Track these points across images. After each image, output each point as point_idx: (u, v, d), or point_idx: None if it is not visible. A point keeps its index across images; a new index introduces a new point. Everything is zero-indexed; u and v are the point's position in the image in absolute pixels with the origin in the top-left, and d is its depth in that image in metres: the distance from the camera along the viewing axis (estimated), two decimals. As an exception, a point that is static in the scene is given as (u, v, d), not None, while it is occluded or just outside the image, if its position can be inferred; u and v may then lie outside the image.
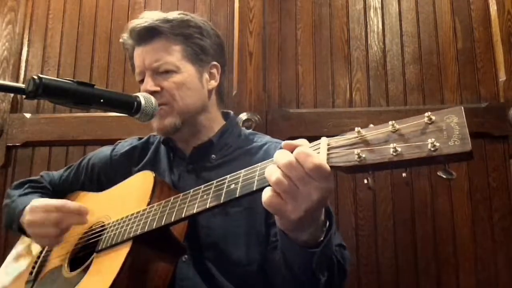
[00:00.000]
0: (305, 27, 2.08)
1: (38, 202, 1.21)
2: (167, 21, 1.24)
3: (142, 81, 1.25)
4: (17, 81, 2.12)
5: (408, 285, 1.80)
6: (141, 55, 1.25)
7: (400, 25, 2.04)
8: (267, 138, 1.33)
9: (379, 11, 2.06)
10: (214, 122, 1.31)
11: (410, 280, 1.80)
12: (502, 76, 1.92)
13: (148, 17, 1.25)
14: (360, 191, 1.88)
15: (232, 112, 1.39)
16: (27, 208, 1.21)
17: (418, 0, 2.05)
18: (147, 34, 1.24)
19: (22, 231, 1.26)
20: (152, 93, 1.20)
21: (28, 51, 2.18)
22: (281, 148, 0.78)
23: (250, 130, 1.42)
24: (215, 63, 1.31)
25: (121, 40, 1.31)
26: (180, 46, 1.24)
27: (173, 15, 1.26)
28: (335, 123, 1.92)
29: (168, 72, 1.22)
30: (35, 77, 0.88)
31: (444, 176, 0.68)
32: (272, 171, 0.76)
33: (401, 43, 2.02)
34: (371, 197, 1.87)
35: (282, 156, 0.75)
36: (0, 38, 2.17)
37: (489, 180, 1.85)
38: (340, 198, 1.87)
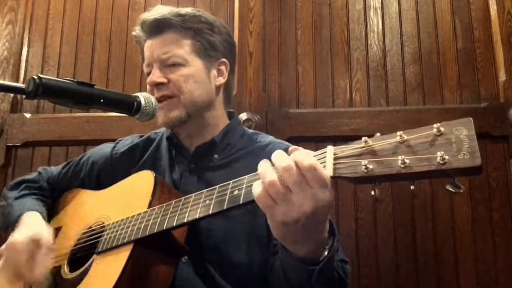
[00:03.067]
0: (305, 27, 2.08)
1: (17, 238, 1.14)
2: (178, 15, 1.24)
3: (149, 74, 1.24)
4: (17, 81, 2.12)
5: (408, 285, 1.80)
6: (151, 47, 1.25)
7: (400, 25, 2.04)
8: (270, 138, 1.32)
9: (379, 11, 2.06)
10: (219, 121, 1.30)
11: (410, 280, 1.80)
12: (502, 76, 1.92)
13: (159, 11, 1.25)
14: (360, 191, 1.88)
15: (235, 112, 1.39)
16: (7, 241, 1.16)
17: (418, 0, 2.05)
18: (157, 27, 1.24)
19: None
20: (158, 84, 1.20)
21: (28, 51, 2.18)
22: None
23: (253, 130, 1.41)
24: (224, 60, 1.30)
25: (133, 33, 1.31)
26: (190, 40, 1.24)
27: (185, 10, 1.27)
28: (335, 123, 1.92)
29: (175, 65, 1.22)
30: (35, 77, 0.88)
31: (453, 190, 0.67)
32: (267, 170, 0.75)
33: (401, 43, 2.02)
34: (371, 197, 1.87)
35: (280, 157, 0.75)
36: (0, 38, 2.17)
37: (489, 180, 1.84)
38: (340, 198, 1.87)
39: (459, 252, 1.81)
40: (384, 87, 1.98)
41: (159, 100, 1.19)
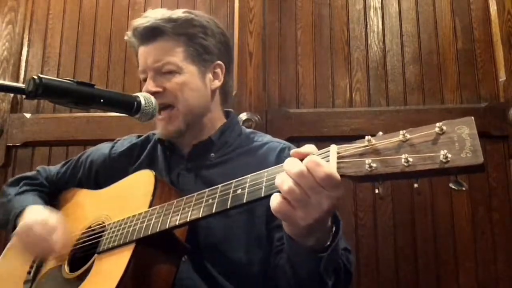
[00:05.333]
0: (305, 27, 2.08)
1: (28, 222, 1.19)
2: (170, 20, 1.23)
3: (145, 80, 1.24)
4: (17, 81, 2.12)
5: (408, 285, 1.80)
6: (144, 55, 1.24)
7: (400, 25, 2.04)
8: (267, 137, 1.32)
9: (379, 11, 2.06)
10: (216, 121, 1.30)
11: (410, 280, 1.80)
12: (502, 76, 1.92)
13: (151, 16, 1.24)
14: (360, 191, 1.88)
15: (232, 111, 1.39)
16: (19, 226, 1.20)
17: (418, 0, 2.05)
18: (149, 34, 1.23)
19: None
20: (154, 93, 1.19)
21: (28, 51, 2.18)
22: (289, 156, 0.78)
23: (250, 129, 1.41)
24: (219, 62, 1.29)
25: (126, 38, 1.30)
26: (183, 46, 1.23)
27: (178, 14, 1.25)
28: (335, 123, 1.92)
29: (170, 72, 1.21)
30: (35, 77, 0.88)
31: (456, 188, 0.67)
32: (283, 179, 0.76)
33: (401, 43, 2.02)
34: (371, 197, 1.87)
35: (292, 164, 0.75)
36: (0, 38, 2.17)
37: (489, 180, 1.84)
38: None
39: (459, 252, 1.80)
40: (384, 87, 1.98)
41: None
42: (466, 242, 1.81)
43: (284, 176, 0.76)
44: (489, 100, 1.91)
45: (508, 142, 1.86)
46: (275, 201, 0.76)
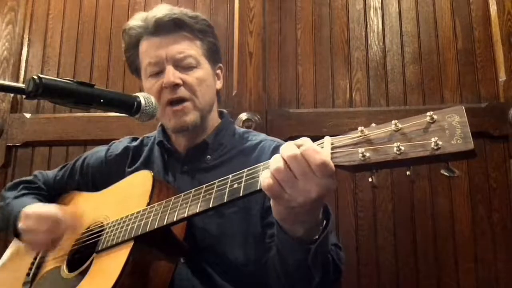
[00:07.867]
0: (305, 27, 2.08)
1: (31, 208, 1.21)
2: (189, 16, 1.24)
3: (155, 74, 1.22)
4: (17, 81, 2.12)
5: (408, 285, 1.80)
6: (160, 45, 1.21)
7: (400, 25, 2.04)
8: (262, 136, 1.32)
9: (379, 11, 2.06)
10: (213, 122, 1.32)
11: (410, 280, 1.80)
12: (502, 76, 1.92)
13: (168, 9, 1.23)
14: (360, 191, 1.88)
15: (225, 111, 1.39)
16: (21, 214, 1.21)
17: (418, 0, 2.05)
18: (172, 25, 1.22)
19: (17, 236, 1.25)
20: (174, 86, 1.18)
21: (28, 51, 2.18)
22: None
23: (244, 129, 1.43)
24: (221, 64, 1.34)
25: (131, 25, 1.27)
26: (200, 42, 1.25)
27: (190, 11, 1.27)
28: (335, 123, 1.92)
29: (190, 65, 1.22)
30: (35, 77, 0.88)
31: (447, 174, 0.69)
32: (275, 159, 0.78)
33: (401, 43, 2.02)
34: (371, 197, 1.87)
35: (288, 148, 0.77)
36: (0, 38, 2.17)
37: (489, 180, 1.84)
38: (340, 198, 1.87)
39: (459, 252, 1.80)
40: (384, 87, 1.98)
41: (172, 102, 1.18)
42: (466, 242, 1.81)
43: (277, 156, 0.78)
44: (489, 100, 1.91)
45: (508, 142, 1.86)
46: (264, 178, 0.78)
